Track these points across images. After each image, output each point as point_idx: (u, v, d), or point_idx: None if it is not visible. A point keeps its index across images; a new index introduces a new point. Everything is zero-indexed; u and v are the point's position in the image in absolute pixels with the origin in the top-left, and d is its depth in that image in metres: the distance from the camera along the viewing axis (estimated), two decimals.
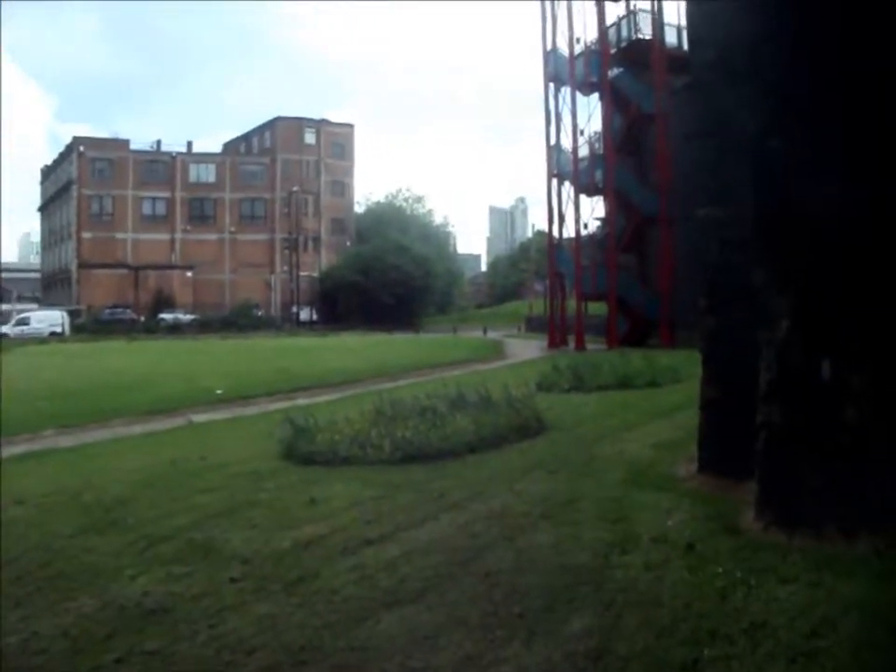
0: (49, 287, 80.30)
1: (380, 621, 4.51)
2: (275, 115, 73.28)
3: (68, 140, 73.10)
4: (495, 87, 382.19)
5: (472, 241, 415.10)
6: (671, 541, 5.47)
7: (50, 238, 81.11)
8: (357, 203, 79.76)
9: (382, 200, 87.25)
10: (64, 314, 58.87)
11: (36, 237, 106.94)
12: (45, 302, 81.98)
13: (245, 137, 79.37)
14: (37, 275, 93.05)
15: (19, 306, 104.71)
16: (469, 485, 7.70)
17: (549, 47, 38.92)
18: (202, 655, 4.24)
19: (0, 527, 6.99)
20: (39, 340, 52.03)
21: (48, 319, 54.46)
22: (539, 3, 39.08)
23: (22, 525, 7.50)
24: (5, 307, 78.33)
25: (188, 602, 4.97)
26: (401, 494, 7.60)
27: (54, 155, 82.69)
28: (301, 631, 4.44)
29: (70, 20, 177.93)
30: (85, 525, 7.18)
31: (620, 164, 35.90)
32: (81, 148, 68.19)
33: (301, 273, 64.98)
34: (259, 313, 63.77)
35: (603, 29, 35.69)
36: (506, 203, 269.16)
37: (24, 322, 51.46)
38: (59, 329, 53.78)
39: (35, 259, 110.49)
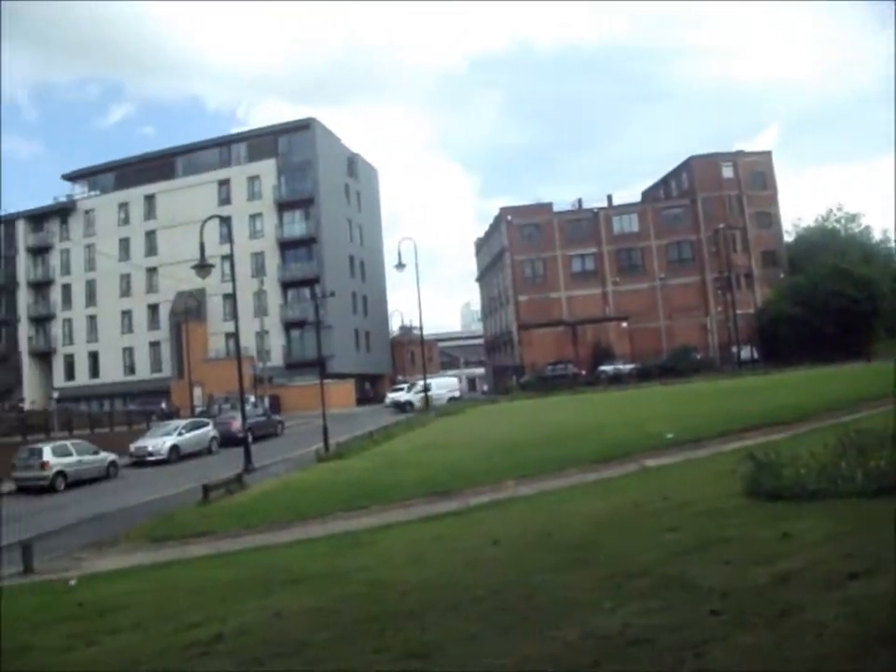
0: (492, 350, 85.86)
1: (878, 656, 4.19)
2: (689, 154, 72.74)
3: (493, 214, 78.18)
4: None
5: None
6: None
7: (490, 305, 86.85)
8: (786, 231, 75.95)
9: (812, 224, 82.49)
10: (457, 380, 64.10)
11: (476, 306, 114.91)
12: (489, 365, 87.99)
13: (663, 182, 79.49)
14: (480, 341, 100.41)
15: (467, 371, 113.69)
16: None
17: None
18: None
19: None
20: (490, 399, 56.11)
21: (446, 385, 58.14)
22: None
23: (501, 563, 8.11)
24: (451, 373, 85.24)
25: (669, 633, 5.00)
26: (881, 526, 7.04)
27: (483, 229, 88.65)
28: (793, 663, 4.27)
29: (481, 104, 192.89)
30: (558, 562, 7.57)
31: None
32: (509, 218, 72.50)
33: (737, 312, 63.27)
34: (698, 356, 62.79)
35: None
36: None
37: (429, 389, 54.81)
38: (456, 394, 57.71)
39: (475, 326, 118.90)
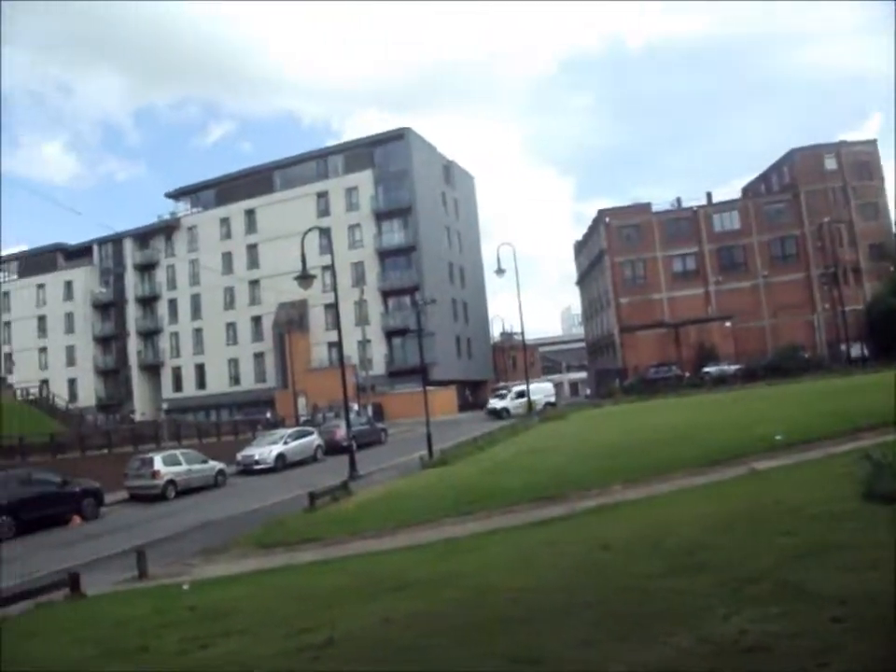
0: (594, 353, 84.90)
1: None
2: (790, 147, 70.61)
3: (590, 216, 77.13)
4: None
5: None
6: None
7: (590, 308, 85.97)
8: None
9: None
10: (552, 385, 63.85)
11: (576, 309, 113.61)
12: (591, 369, 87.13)
13: (763, 177, 77.44)
14: (581, 345, 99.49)
15: (569, 375, 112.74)
16: None
17: None
18: None
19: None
20: (593, 403, 55.62)
21: (541, 391, 57.48)
22: None
23: (611, 568, 8.00)
24: (552, 377, 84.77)
25: (788, 641, 4.85)
26: None
27: (580, 232, 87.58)
28: None
29: (573, 105, 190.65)
30: (669, 567, 7.43)
31: None
32: (607, 219, 71.40)
33: (845, 308, 61.00)
34: (805, 355, 60.72)
35: None
36: None
37: (522, 395, 54.49)
38: (552, 400, 57.31)
39: (576, 330, 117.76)
